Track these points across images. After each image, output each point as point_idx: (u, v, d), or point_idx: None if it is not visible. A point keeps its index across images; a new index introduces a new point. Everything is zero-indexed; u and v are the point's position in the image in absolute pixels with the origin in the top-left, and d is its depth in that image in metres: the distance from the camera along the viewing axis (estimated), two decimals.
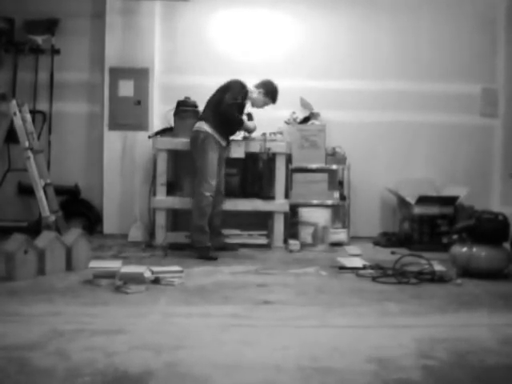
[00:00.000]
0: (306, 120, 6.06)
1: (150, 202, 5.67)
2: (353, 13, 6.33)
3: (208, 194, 5.00)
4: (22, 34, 6.06)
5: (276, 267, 4.54)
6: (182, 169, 5.85)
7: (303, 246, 5.42)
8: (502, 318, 3.24)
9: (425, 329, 2.99)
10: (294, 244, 5.38)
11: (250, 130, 5.42)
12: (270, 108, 5.92)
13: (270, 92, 5.34)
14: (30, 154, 5.07)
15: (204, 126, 5.08)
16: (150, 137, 5.83)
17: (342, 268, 4.44)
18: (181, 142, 5.47)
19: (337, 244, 5.61)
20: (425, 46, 6.37)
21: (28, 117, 5.25)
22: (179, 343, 2.66)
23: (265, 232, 5.61)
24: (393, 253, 5.17)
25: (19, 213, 6.06)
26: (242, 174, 5.81)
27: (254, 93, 5.32)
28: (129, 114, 6.06)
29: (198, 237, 5.03)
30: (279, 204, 5.57)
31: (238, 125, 5.25)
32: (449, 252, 4.48)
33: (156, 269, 3.94)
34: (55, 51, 6.13)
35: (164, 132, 5.76)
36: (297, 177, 5.83)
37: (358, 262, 4.56)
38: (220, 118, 5.09)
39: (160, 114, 6.13)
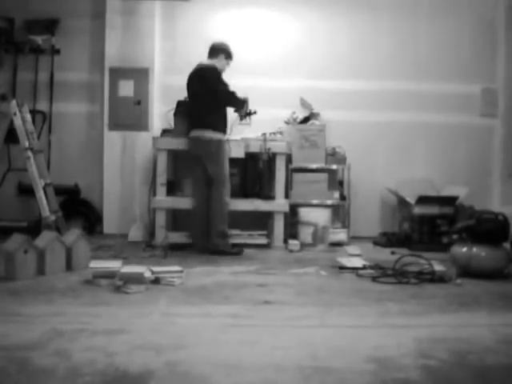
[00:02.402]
0: (306, 120, 6.06)
1: (150, 202, 5.68)
2: (352, 13, 6.34)
3: (228, 199, 5.15)
4: (22, 33, 6.07)
5: (276, 267, 4.54)
6: (182, 169, 5.85)
7: (303, 246, 5.43)
8: (502, 318, 3.24)
9: (425, 329, 2.99)
10: (294, 244, 5.39)
11: (246, 103, 5.35)
12: (270, 108, 5.93)
13: (228, 53, 5.32)
14: (29, 153, 5.07)
15: (213, 135, 5.10)
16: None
17: (342, 268, 4.44)
18: (181, 142, 5.47)
19: (337, 244, 5.62)
20: (424, 46, 6.38)
21: (28, 117, 5.25)
22: (179, 343, 2.66)
23: (265, 232, 5.62)
24: (393, 253, 5.17)
25: (19, 213, 6.07)
26: (241, 174, 5.81)
27: (219, 62, 5.25)
28: (129, 114, 6.06)
29: (223, 241, 5.11)
30: (279, 204, 5.57)
31: (242, 103, 5.26)
32: (449, 252, 4.49)
33: (156, 269, 3.94)
34: (55, 51, 6.14)
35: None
36: (297, 177, 5.84)
37: (358, 262, 4.56)
38: (222, 117, 5.18)
39: (160, 114, 6.13)
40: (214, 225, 5.12)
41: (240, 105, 5.26)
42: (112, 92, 6.06)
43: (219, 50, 5.27)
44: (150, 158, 5.95)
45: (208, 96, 5.08)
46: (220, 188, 5.13)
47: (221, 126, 5.19)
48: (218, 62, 5.23)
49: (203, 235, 5.20)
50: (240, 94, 5.23)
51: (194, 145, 5.22)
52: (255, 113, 5.38)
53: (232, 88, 5.21)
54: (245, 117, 5.40)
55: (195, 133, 5.18)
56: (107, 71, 6.06)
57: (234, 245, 5.24)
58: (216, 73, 5.14)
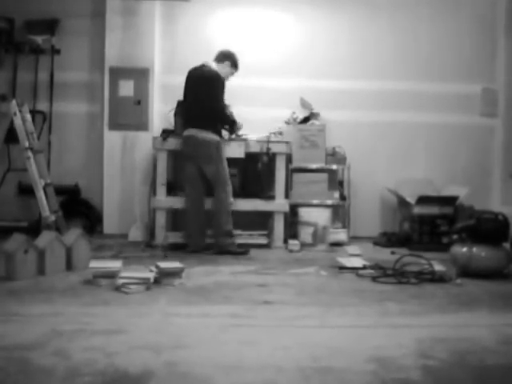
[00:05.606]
0: (306, 120, 6.06)
1: (150, 202, 5.67)
2: (353, 13, 6.34)
3: (232, 199, 5.18)
4: (22, 33, 6.07)
5: (276, 267, 4.54)
6: (182, 169, 5.84)
7: (303, 245, 5.43)
8: (502, 318, 3.24)
9: (425, 329, 2.99)
10: (293, 244, 5.38)
11: (239, 129, 5.51)
12: (270, 108, 5.93)
13: (234, 62, 5.33)
14: (29, 153, 5.06)
15: (212, 136, 5.11)
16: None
17: (342, 268, 4.43)
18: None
19: (337, 244, 5.62)
20: (425, 46, 6.38)
21: (28, 117, 5.24)
22: (179, 343, 2.66)
23: (265, 232, 5.61)
24: (393, 253, 5.17)
25: (19, 213, 6.06)
26: (242, 174, 5.81)
27: (224, 68, 5.27)
28: (129, 114, 6.06)
29: (229, 241, 5.12)
30: (279, 204, 5.57)
31: (232, 124, 5.39)
32: (449, 252, 4.48)
33: (161, 264, 3.91)
34: (55, 51, 6.13)
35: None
36: (297, 177, 5.84)
37: (358, 262, 4.56)
38: (219, 123, 5.27)
39: (160, 114, 6.13)
40: (220, 225, 5.11)
41: (231, 127, 5.41)
42: (112, 92, 6.05)
43: (226, 57, 5.28)
44: (150, 158, 5.95)
45: (209, 101, 5.09)
46: (224, 188, 5.14)
47: (218, 128, 5.23)
48: (222, 69, 5.24)
49: (198, 235, 5.20)
50: (237, 118, 5.44)
51: (189, 144, 5.19)
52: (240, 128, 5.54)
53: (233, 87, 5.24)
54: (232, 134, 5.51)
55: (191, 131, 5.16)
56: (107, 71, 6.05)
57: (239, 245, 5.23)
58: (222, 84, 5.14)
